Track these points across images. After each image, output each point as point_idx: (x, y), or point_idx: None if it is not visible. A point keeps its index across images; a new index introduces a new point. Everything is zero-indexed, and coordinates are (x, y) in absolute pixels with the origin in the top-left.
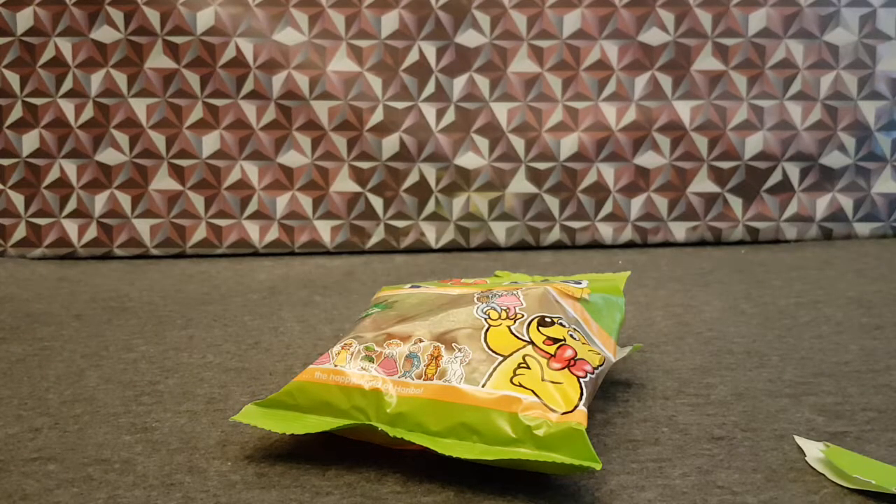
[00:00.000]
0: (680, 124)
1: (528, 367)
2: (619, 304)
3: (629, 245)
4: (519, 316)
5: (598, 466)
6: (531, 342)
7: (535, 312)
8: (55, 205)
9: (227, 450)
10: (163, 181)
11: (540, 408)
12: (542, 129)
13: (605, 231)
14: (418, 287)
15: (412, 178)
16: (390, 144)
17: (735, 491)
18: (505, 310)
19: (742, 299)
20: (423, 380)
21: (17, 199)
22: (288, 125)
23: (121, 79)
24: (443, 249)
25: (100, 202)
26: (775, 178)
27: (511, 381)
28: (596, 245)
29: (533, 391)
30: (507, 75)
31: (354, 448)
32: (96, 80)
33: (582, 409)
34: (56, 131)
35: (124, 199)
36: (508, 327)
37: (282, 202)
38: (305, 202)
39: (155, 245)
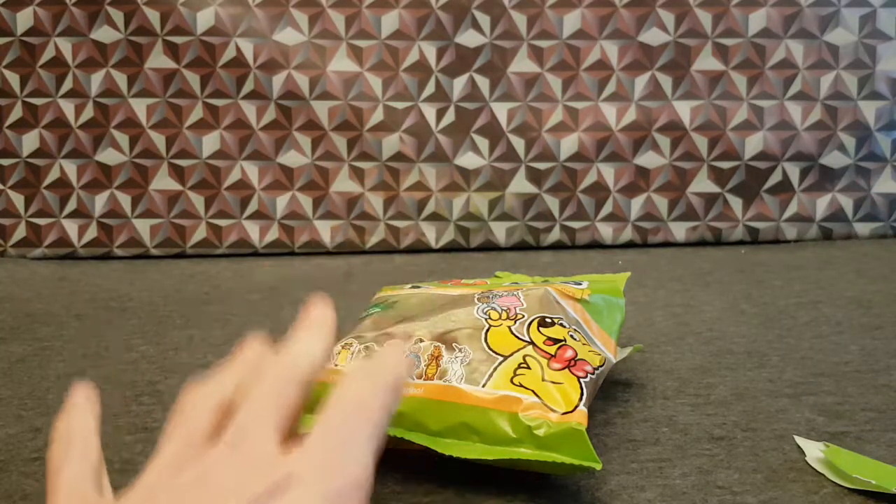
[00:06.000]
0: (680, 124)
1: (529, 368)
2: (619, 305)
3: (629, 245)
4: (519, 316)
5: (598, 466)
6: (531, 342)
7: (535, 313)
8: (55, 205)
9: None
10: (163, 181)
11: (540, 408)
12: (542, 129)
13: (605, 231)
14: (419, 287)
15: (412, 178)
16: (390, 144)
17: (735, 491)
18: (505, 310)
19: (742, 299)
20: (424, 380)
21: (17, 199)
22: (288, 125)
23: (121, 79)
24: (443, 249)
25: (100, 202)
26: (775, 178)
27: (511, 381)
28: (596, 245)
29: (533, 391)
30: (507, 75)
31: None
32: (96, 80)
33: (582, 409)
34: (56, 131)
35: (124, 199)
36: (509, 327)
37: (282, 202)
38: (305, 202)
39: (155, 245)
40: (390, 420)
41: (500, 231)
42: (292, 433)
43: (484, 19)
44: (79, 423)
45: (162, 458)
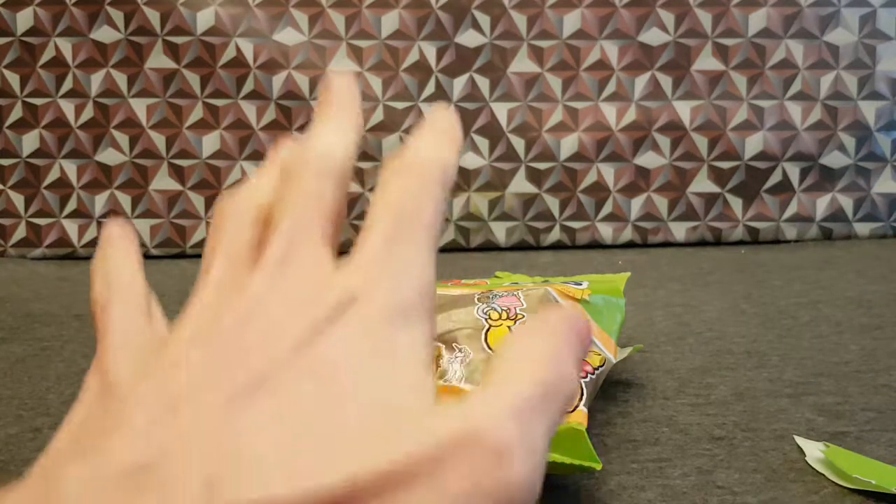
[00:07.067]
0: (680, 124)
1: None
2: (619, 306)
3: (629, 245)
4: (519, 316)
5: (598, 466)
6: None
7: (535, 313)
8: (55, 205)
9: None
10: (163, 181)
11: None
12: (542, 129)
13: (605, 231)
14: None
15: None
16: (390, 144)
17: (735, 491)
18: (505, 310)
19: (742, 299)
20: None
21: (17, 199)
22: (288, 125)
23: (121, 79)
24: (443, 249)
25: (100, 202)
26: (775, 178)
27: None
28: (596, 245)
29: None
30: (507, 75)
31: None
32: (96, 80)
33: (582, 409)
34: (56, 131)
35: (124, 199)
36: (509, 328)
37: None
38: None
39: (155, 245)
40: (444, 215)
41: (500, 231)
42: (338, 236)
43: (484, 19)
44: (117, 256)
45: (208, 286)
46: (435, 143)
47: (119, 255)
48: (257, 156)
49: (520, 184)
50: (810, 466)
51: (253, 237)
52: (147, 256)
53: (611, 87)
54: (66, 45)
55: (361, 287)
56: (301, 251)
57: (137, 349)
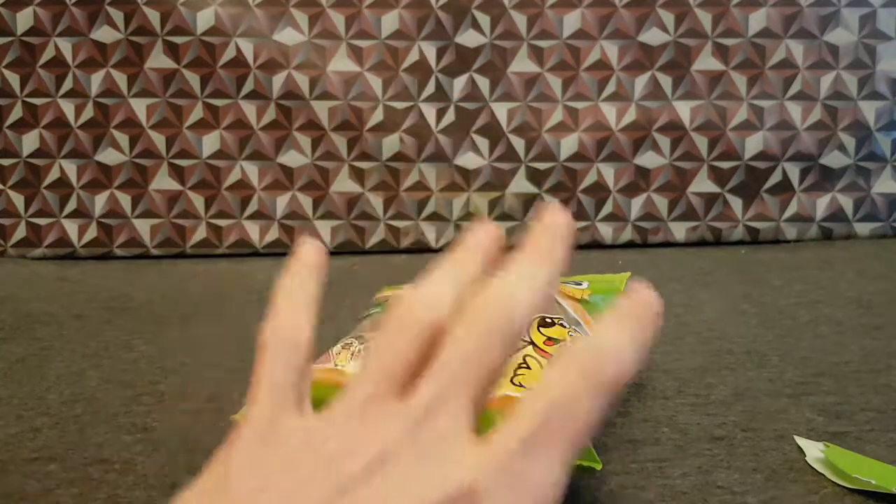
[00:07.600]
0: (680, 124)
1: (529, 368)
2: None
3: (629, 245)
4: None
5: (598, 466)
6: (532, 343)
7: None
8: (55, 205)
9: None
10: (163, 181)
11: None
12: (542, 129)
13: (605, 231)
14: None
15: (412, 178)
16: (390, 144)
17: (735, 491)
18: None
19: (742, 299)
20: None
21: (17, 199)
22: (288, 125)
23: (121, 79)
24: (443, 249)
25: (100, 202)
26: (775, 178)
27: (511, 381)
28: (596, 245)
29: None
30: (507, 75)
31: None
32: (96, 80)
33: None
34: (56, 131)
35: (124, 199)
36: None
37: (282, 202)
38: (305, 202)
39: (155, 245)
40: (599, 422)
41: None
42: (488, 397)
43: (484, 19)
44: (303, 294)
45: (356, 397)
46: (620, 335)
47: (305, 293)
48: (257, 156)
49: (520, 184)
50: (810, 466)
51: (414, 358)
52: (147, 256)
53: (611, 87)
54: (66, 45)
55: (485, 485)
56: (445, 411)
57: (274, 443)
